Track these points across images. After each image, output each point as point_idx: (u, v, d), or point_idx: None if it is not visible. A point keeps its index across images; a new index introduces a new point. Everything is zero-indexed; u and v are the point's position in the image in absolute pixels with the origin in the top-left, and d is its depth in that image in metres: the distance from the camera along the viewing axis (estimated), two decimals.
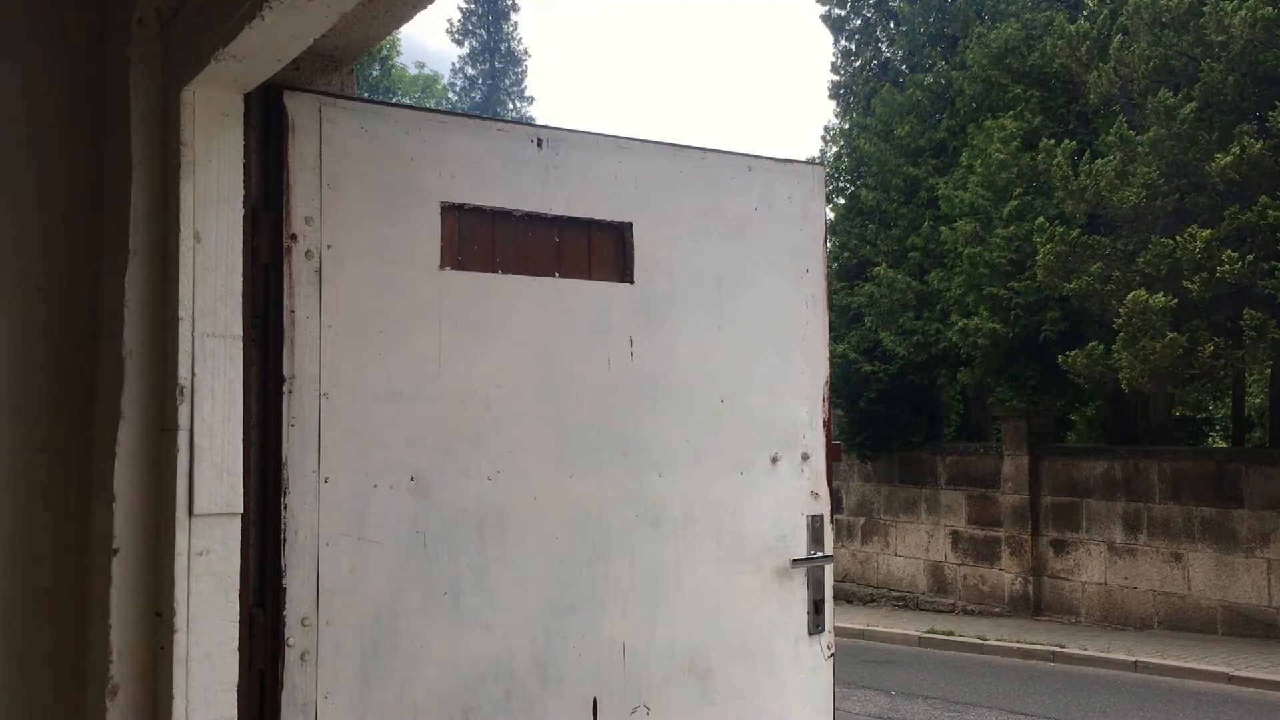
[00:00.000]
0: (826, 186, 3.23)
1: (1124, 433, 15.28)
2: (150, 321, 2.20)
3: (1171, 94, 11.65)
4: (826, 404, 3.13)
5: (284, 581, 2.28)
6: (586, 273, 2.74)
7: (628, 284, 2.79)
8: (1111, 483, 13.53)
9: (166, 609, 2.14)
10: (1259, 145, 10.86)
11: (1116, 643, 12.01)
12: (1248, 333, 10.97)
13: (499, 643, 2.53)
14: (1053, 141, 13.11)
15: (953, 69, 16.15)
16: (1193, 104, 11.53)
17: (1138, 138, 12.10)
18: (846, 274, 16.65)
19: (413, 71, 29.15)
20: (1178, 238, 11.45)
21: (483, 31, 31.50)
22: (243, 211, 2.25)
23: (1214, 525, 12.51)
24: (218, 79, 2.12)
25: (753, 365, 3.00)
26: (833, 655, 3.10)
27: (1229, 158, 10.99)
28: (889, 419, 15.84)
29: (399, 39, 24.34)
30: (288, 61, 2.09)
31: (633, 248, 2.80)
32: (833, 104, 21.16)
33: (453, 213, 2.54)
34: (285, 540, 2.28)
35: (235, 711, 2.17)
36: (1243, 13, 11.20)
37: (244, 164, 2.26)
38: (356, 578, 2.36)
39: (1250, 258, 10.78)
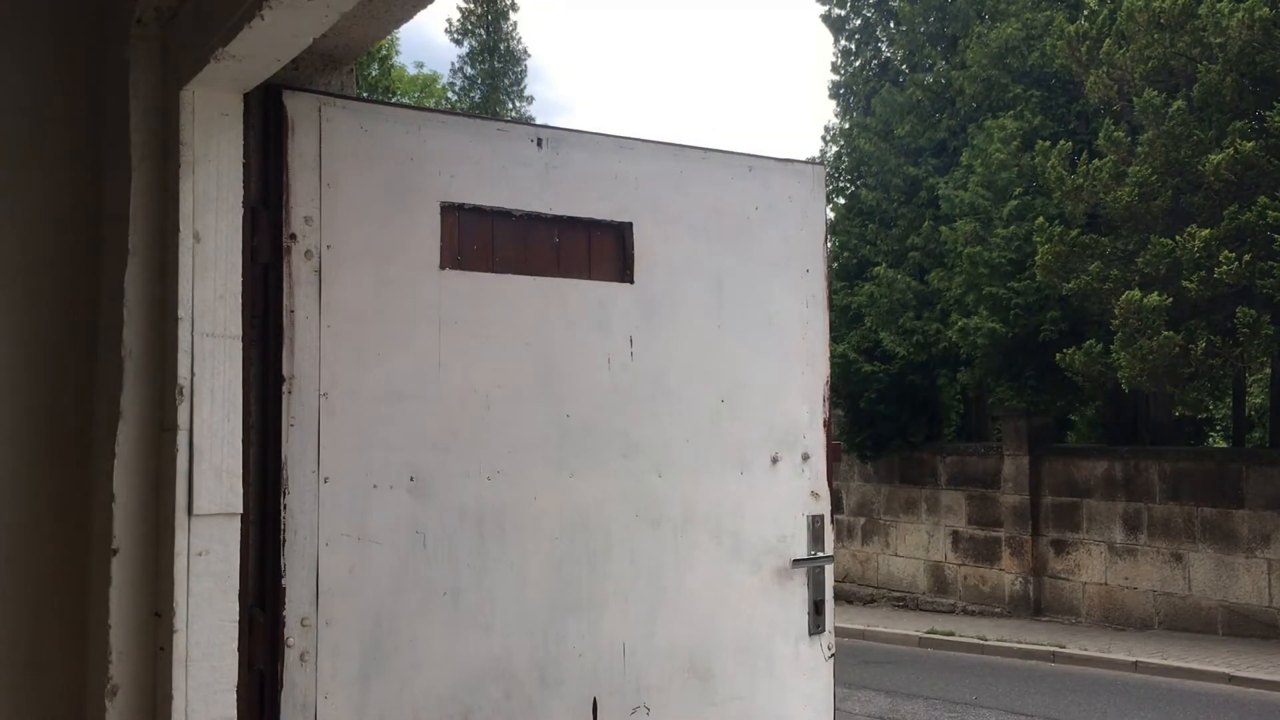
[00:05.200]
0: (826, 186, 3.23)
1: (1124, 433, 15.28)
2: (150, 321, 2.20)
3: (1158, 94, 11.65)
4: (827, 404, 3.13)
5: (284, 581, 2.28)
6: (586, 273, 2.74)
7: (628, 284, 2.79)
8: (1112, 483, 13.53)
9: (166, 609, 2.14)
10: (1251, 145, 10.86)
11: (1117, 643, 12.01)
12: (1241, 330, 10.98)
13: (499, 643, 2.53)
14: (1048, 143, 13.11)
15: (953, 69, 16.14)
16: (1180, 102, 11.54)
17: (1128, 139, 12.11)
18: (846, 274, 16.65)
19: (412, 71, 29.12)
20: (1177, 237, 11.46)
21: (482, 31, 31.47)
22: (242, 211, 2.25)
23: (1214, 525, 12.51)
24: (217, 79, 2.12)
25: (753, 365, 3.00)
26: (833, 656, 3.09)
27: (1222, 156, 10.99)
28: (889, 419, 15.83)
29: (398, 38, 24.32)
30: (287, 61, 2.09)
31: (633, 248, 2.80)
32: (833, 104, 21.17)
33: (452, 212, 2.54)
34: (285, 540, 2.28)
35: (235, 711, 2.17)
36: (1240, 14, 11.20)
37: (243, 164, 2.25)
38: (356, 578, 2.36)
39: (1247, 258, 10.79)
